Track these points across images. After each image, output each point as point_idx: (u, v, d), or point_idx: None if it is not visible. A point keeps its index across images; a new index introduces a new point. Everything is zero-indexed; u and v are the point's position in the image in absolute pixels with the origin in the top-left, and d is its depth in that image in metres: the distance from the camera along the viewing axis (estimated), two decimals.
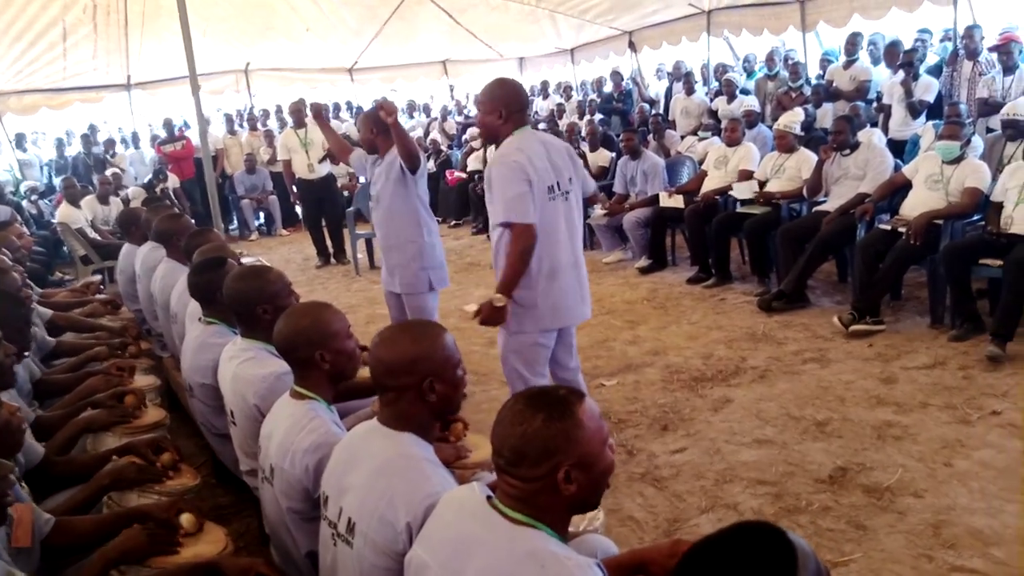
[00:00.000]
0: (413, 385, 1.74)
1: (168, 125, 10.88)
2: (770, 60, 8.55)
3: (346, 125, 11.88)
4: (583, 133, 8.49)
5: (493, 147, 3.15)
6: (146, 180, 10.25)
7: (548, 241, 2.97)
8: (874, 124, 6.80)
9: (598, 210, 7.05)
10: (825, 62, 8.33)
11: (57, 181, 10.28)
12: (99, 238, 8.02)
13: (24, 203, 9.66)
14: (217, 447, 2.95)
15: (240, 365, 2.48)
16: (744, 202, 5.90)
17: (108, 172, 9.57)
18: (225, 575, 1.72)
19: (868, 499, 2.89)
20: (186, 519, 1.94)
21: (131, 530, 1.84)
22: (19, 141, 11.16)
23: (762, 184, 5.84)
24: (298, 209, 9.95)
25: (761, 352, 4.47)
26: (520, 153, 2.89)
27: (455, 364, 1.81)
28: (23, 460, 2.19)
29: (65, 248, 8.57)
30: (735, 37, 10.00)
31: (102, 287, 5.48)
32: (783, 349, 4.48)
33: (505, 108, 2.96)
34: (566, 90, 12.30)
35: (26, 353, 2.98)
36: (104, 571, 1.78)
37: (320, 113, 4.60)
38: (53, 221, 8.87)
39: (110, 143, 11.60)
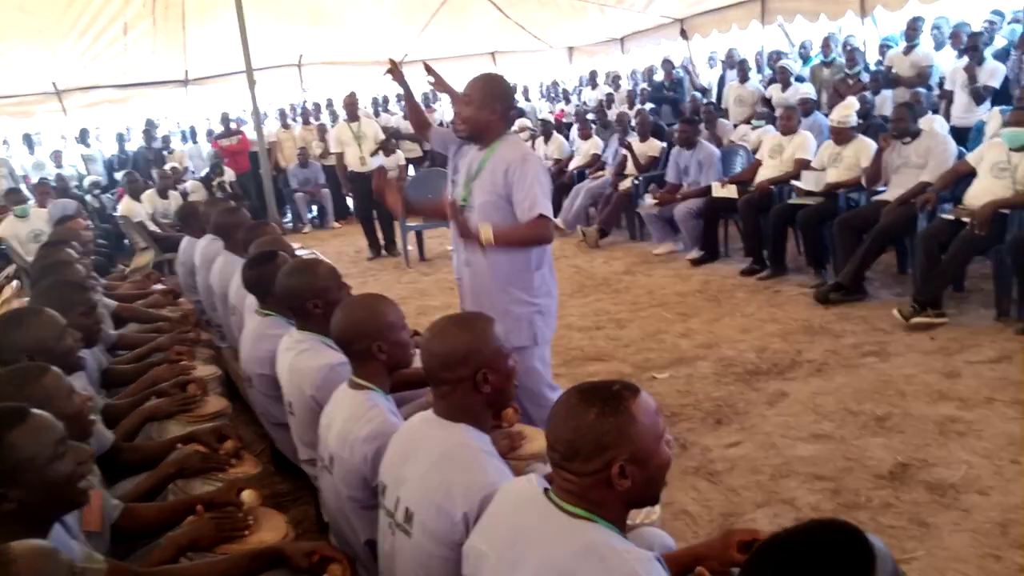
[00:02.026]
0: (467, 377, 1.76)
1: (225, 119, 11.10)
2: (826, 46, 8.36)
3: (395, 119, 11.98)
4: (633, 123, 8.41)
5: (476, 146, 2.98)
6: (203, 174, 10.49)
7: (549, 250, 3.04)
8: (935, 111, 6.59)
9: (648, 200, 6.98)
10: (884, 48, 8.10)
11: (118, 176, 10.59)
12: (159, 231, 8.24)
13: (87, 197, 9.97)
14: (276, 436, 3.02)
15: (296, 357, 2.54)
16: (798, 192, 5.78)
17: (167, 166, 9.82)
18: (290, 559, 1.76)
19: (931, 496, 2.82)
20: (247, 495, 2.00)
21: (199, 519, 1.90)
22: (83, 136, 11.51)
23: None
24: (350, 202, 10.08)
25: (818, 345, 4.38)
26: (540, 159, 2.94)
27: (506, 355, 1.84)
28: (95, 446, 2.27)
29: (127, 241, 8.82)
30: (789, 23, 9.79)
31: (162, 279, 5.62)
32: (841, 342, 4.38)
33: (502, 105, 2.88)
34: (615, 80, 12.19)
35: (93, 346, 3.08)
36: (174, 557, 1.84)
37: (397, 70, 4.02)
38: (115, 215, 9.14)
39: (167, 138, 11.91)
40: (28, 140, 11.38)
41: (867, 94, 7.17)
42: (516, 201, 2.82)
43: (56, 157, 11.19)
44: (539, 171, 2.85)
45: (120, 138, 12.28)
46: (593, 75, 12.77)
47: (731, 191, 6.25)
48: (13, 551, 1.19)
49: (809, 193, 5.68)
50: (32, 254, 6.56)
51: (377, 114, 12.21)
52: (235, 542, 1.89)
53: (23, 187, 9.09)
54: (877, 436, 3.30)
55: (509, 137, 2.93)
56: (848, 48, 8.13)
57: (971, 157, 4.78)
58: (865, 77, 7.62)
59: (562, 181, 8.87)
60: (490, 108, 2.85)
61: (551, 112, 12.11)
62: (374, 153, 8.43)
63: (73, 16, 8.90)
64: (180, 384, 2.83)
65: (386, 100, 13.45)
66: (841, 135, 5.60)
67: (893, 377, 3.85)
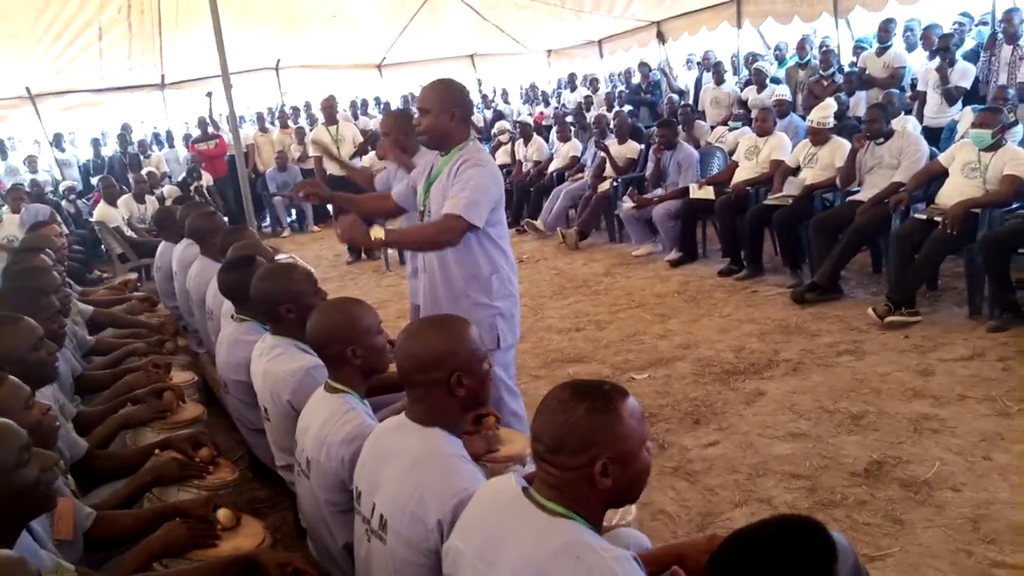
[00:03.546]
0: (441, 380, 1.76)
1: (203, 123, 11.02)
2: (801, 48, 8.43)
3: (374, 122, 11.96)
4: (611, 125, 8.45)
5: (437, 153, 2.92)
6: (180, 178, 10.41)
7: (509, 253, 2.97)
8: (908, 112, 6.67)
9: (627, 202, 7.01)
10: (858, 49, 8.19)
11: (94, 180, 10.48)
12: (135, 236, 8.17)
13: (63, 202, 9.86)
14: (253, 442, 3.01)
15: (270, 362, 2.53)
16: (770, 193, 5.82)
17: (143, 171, 9.73)
18: (263, 568, 1.75)
19: (905, 493, 2.85)
20: (222, 514, 1.98)
21: (172, 524, 1.88)
22: (57, 141, 11.38)
23: (795, 173, 5.76)
24: (329, 206, 10.02)
25: (794, 344, 4.42)
26: (494, 165, 2.86)
27: (482, 358, 1.84)
28: (67, 454, 2.25)
29: (103, 247, 8.74)
30: (762, 26, 9.88)
31: (139, 284, 5.57)
32: (817, 341, 4.43)
33: (459, 109, 2.80)
34: (593, 83, 12.24)
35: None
36: (146, 563, 1.83)
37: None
38: (91, 220, 9.05)
39: (144, 143, 11.80)
40: (0, 145, 11.23)
41: (841, 95, 7.25)
42: (450, 195, 2.74)
43: (30, 162, 11.07)
44: (484, 177, 2.74)
45: (96, 143, 12.16)
46: (572, 78, 12.82)
47: (708, 192, 6.29)
48: None
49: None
50: (4, 261, 6.50)
51: (356, 117, 12.17)
52: (209, 549, 1.88)
53: None
54: (852, 434, 3.34)
55: (470, 144, 2.85)
56: (823, 49, 8.21)
57: (943, 157, 4.85)
58: (839, 78, 7.70)
59: (542, 183, 8.89)
60: (448, 114, 2.77)
61: (530, 115, 12.15)
62: (353, 156, 8.39)
63: (47, 21, 8.81)
64: (156, 392, 2.80)
65: (365, 103, 13.42)
66: (819, 135, 5.65)
67: (868, 375, 3.89)
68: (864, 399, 3.65)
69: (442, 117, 2.77)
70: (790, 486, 3.00)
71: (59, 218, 7.77)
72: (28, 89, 10.46)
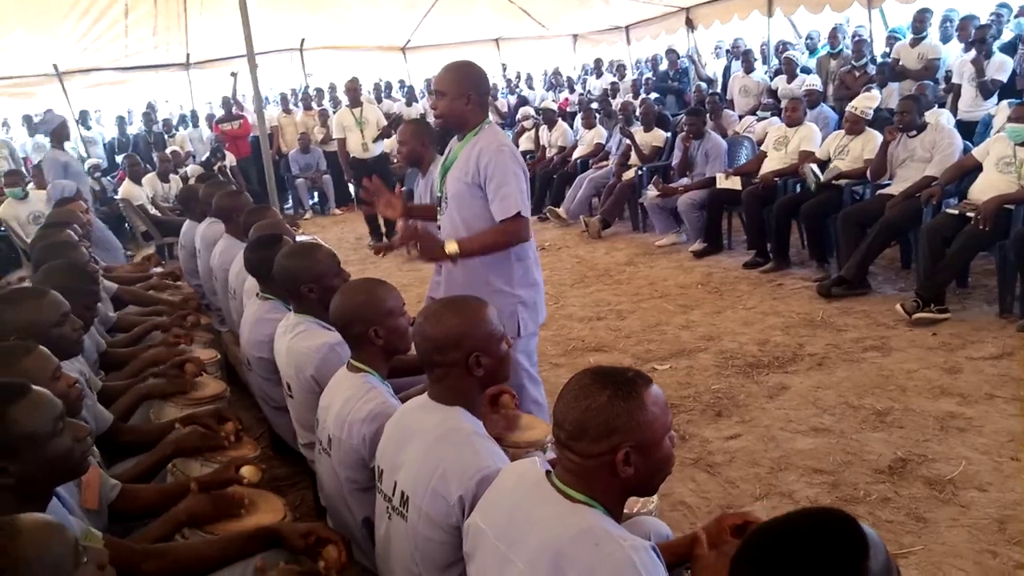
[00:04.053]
0: (460, 360, 1.77)
1: (227, 104, 11.06)
2: (833, 38, 8.29)
3: (398, 105, 11.94)
4: (637, 112, 8.37)
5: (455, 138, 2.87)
6: (204, 158, 10.46)
7: (532, 240, 2.91)
8: (942, 105, 6.55)
9: (651, 190, 6.95)
10: (892, 39, 8.05)
11: (119, 158, 10.55)
12: (159, 215, 8.22)
13: (88, 180, 9.94)
14: (274, 420, 3.02)
15: (293, 339, 2.54)
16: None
17: (168, 150, 9.78)
18: (286, 539, 1.76)
19: (929, 491, 2.81)
20: (247, 470, 2.01)
21: (197, 496, 1.90)
22: (83, 119, 11.46)
23: (824, 166, 5.67)
24: (351, 188, 10.04)
25: (819, 339, 4.36)
26: (516, 152, 2.80)
27: (499, 338, 1.84)
28: (94, 426, 2.27)
29: (127, 224, 8.80)
30: (794, 15, 9.73)
31: (162, 263, 5.61)
32: (843, 336, 4.37)
33: (475, 93, 2.74)
34: (619, 69, 12.13)
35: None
36: (170, 533, 1.85)
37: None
38: (115, 198, 9.11)
39: (169, 122, 11.85)
40: (28, 121, 11.33)
41: (873, 86, 7.13)
42: (490, 196, 2.69)
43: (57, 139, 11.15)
44: (516, 163, 2.72)
45: (121, 121, 12.25)
46: (598, 64, 12.72)
47: (735, 183, 6.22)
48: (19, 523, 1.19)
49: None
50: (31, 236, 6.55)
51: (379, 100, 12.16)
52: (232, 522, 1.89)
53: (23, 169, 9.06)
54: (877, 431, 3.29)
55: (486, 126, 2.79)
56: (856, 39, 8.07)
57: (977, 151, 4.75)
58: (872, 69, 7.57)
59: (565, 171, 8.84)
60: (464, 97, 2.71)
61: (554, 101, 12.09)
62: (376, 139, 8.39)
63: None
64: (177, 364, 2.81)
65: (389, 86, 13.40)
66: (856, 124, 5.55)
67: (894, 372, 3.84)
68: (890, 396, 3.60)
69: (458, 101, 2.72)
70: (812, 481, 2.97)
71: (84, 195, 7.83)
72: (55, 66, 10.53)
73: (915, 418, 3.36)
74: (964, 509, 2.68)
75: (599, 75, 12.41)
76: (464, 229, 2.78)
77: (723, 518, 1.67)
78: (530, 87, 14.04)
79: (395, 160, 9.51)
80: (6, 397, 1.51)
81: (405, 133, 4.22)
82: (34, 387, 1.57)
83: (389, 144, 9.00)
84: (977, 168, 4.69)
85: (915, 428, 3.27)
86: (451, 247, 2.65)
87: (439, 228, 2.91)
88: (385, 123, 8.64)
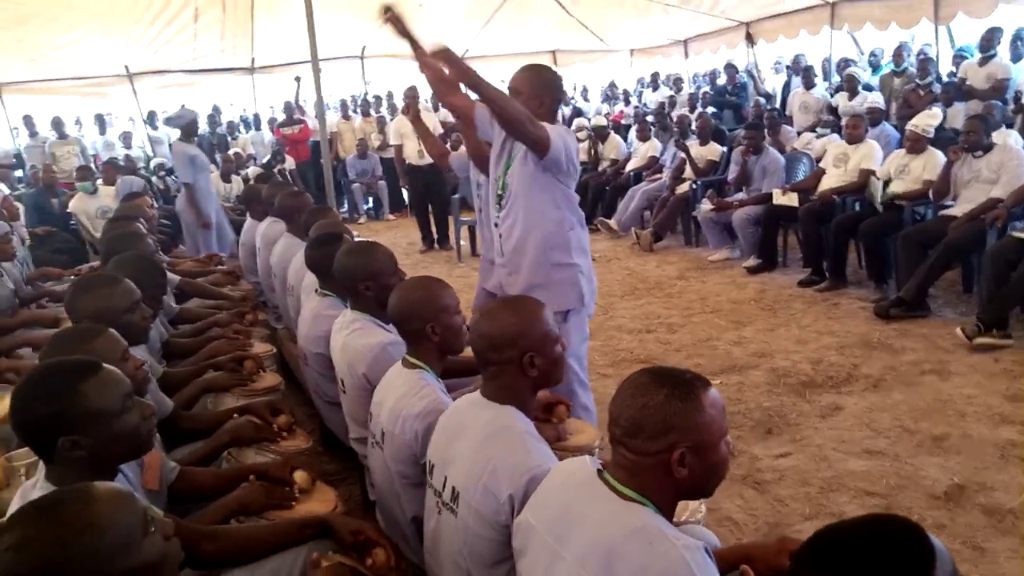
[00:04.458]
0: (514, 359, 1.79)
1: (288, 108, 11.31)
2: (898, 55, 8.13)
3: None
4: (693, 126, 8.32)
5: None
6: (265, 160, 10.71)
7: (582, 216, 3.00)
8: (1010, 126, 6.36)
9: (706, 204, 6.90)
10: (958, 58, 7.86)
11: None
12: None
13: (153, 178, 10.26)
14: (327, 415, 3.07)
15: (349, 336, 2.59)
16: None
17: (231, 152, 10.04)
18: (336, 532, 1.79)
19: (988, 520, 2.73)
20: (299, 476, 2.04)
21: (251, 484, 1.95)
22: (151, 119, 11.84)
23: (886, 184, 5.56)
24: (405, 194, 10.16)
25: (876, 360, 4.27)
26: (575, 139, 2.91)
27: (554, 339, 1.86)
28: (156, 410, 2.35)
29: None
30: (858, 31, 9.56)
31: (223, 258, 5.76)
32: (900, 359, 4.27)
33: (549, 96, 2.81)
34: (676, 82, 12.07)
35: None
36: (224, 519, 1.90)
37: (417, 115, 4.20)
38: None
39: (233, 124, 12.16)
40: (100, 120, 11.76)
41: (939, 105, 6.97)
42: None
43: (125, 138, 11.56)
44: (565, 136, 2.81)
45: None
46: (655, 77, 12.68)
47: (792, 199, 6.13)
48: (94, 490, 1.24)
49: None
50: (99, 230, 6.80)
51: (436, 108, 12.29)
52: (284, 510, 1.94)
53: (93, 166, 9.40)
54: (933, 456, 3.21)
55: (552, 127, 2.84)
56: (921, 57, 7.90)
57: None
58: (937, 88, 7.40)
59: (618, 183, 8.82)
60: (538, 100, 2.79)
61: (608, 113, 12.06)
62: None
63: (146, 2, 9.18)
64: (238, 359, 2.90)
65: None
66: (918, 143, 5.44)
67: (953, 397, 3.74)
68: (948, 421, 3.50)
69: (532, 102, 2.78)
70: (864, 503, 2.91)
71: (150, 192, 8.08)
72: (126, 67, 10.90)
73: (973, 445, 3.27)
74: None
75: (655, 88, 12.36)
76: (528, 219, 2.88)
77: (786, 540, 1.65)
78: (585, 99, 14.04)
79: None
80: (79, 374, 1.57)
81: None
82: (105, 365, 1.63)
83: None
84: None
85: (973, 455, 3.18)
86: (439, 47, 2.75)
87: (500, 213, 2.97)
88: (441, 131, 8.74)
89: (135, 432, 1.63)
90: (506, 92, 2.85)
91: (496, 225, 2.99)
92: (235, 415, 2.47)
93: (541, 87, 2.81)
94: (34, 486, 1.59)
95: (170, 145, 8.42)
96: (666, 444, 1.34)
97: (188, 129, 6.56)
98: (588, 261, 3.01)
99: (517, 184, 2.88)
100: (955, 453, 3.21)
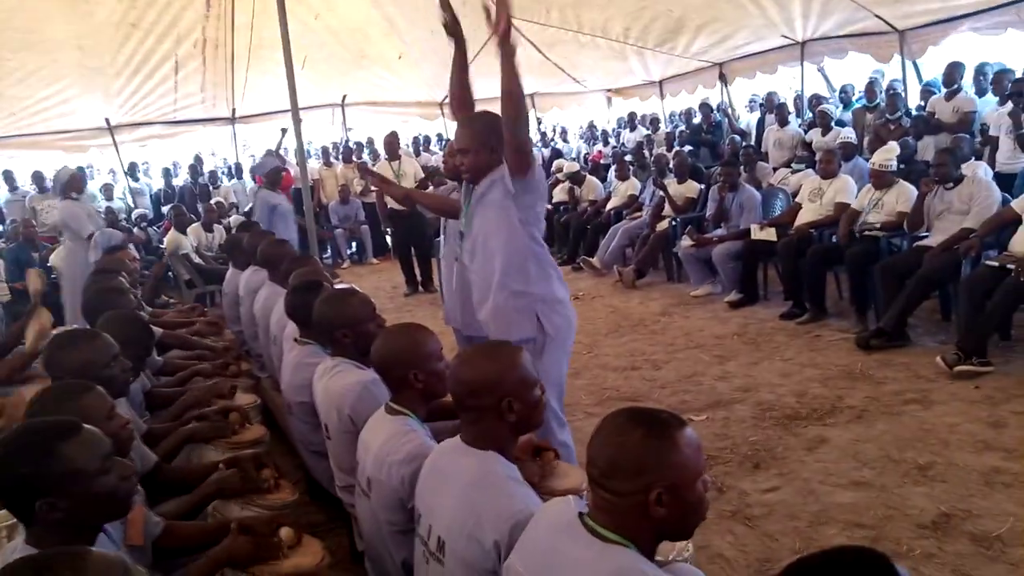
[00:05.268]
0: (492, 405, 1.80)
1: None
2: (871, 91, 8.31)
3: (435, 158, 12.19)
4: (671, 164, 8.44)
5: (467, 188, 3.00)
6: (247, 209, 10.72)
7: (546, 250, 3.01)
8: (979, 157, 6.51)
9: (686, 240, 6.97)
10: (926, 93, 8.06)
11: (165, 209, 10.87)
12: (203, 263, 8.43)
13: (134, 230, 10.26)
14: (313, 464, 3.05)
15: (330, 380, 2.62)
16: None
17: (213, 201, 10.07)
18: None
19: (976, 548, 2.73)
20: (284, 532, 2.02)
21: (238, 537, 1.93)
22: (132, 171, 11.88)
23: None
24: (388, 239, 10.20)
25: (859, 391, 4.30)
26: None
27: (532, 384, 1.87)
28: (139, 465, 2.33)
29: (170, 272, 9.02)
30: (828, 69, 9.80)
31: (205, 309, 5.75)
32: (882, 389, 4.30)
33: (494, 139, 2.84)
34: (653, 122, 12.28)
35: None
36: (211, 572, 1.88)
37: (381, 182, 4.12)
38: (161, 247, 9.37)
39: (215, 174, 12.22)
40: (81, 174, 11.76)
41: (909, 139, 7.12)
42: None
43: (106, 191, 11.58)
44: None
45: (167, 173, 12.67)
46: (632, 117, 12.90)
47: (770, 234, 6.22)
48: (91, 557, 1.22)
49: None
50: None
51: (418, 153, 12.43)
52: (272, 564, 1.92)
53: None
54: (919, 485, 3.22)
55: (500, 166, 2.89)
56: (891, 93, 8.10)
57: (1016, 204, 4.71)
58: (906, 122, 7.57)
59: (599, 221, 8.91)
60: (487, 148, 2.84)
61: (587, 154, 12.22)
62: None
63: (127, 54, 9.30)
64: (222, 411, 2.88)
65: (427, 140, 13.69)
66: (881, 179, 5.56)
67: (936, 426, 3.76)
68: (932, 449, 3.52)
69: (481, 153, 2.85)
70: (853, 535, 2.91)
71: (132, 244, 8.06)
72: (107, 120, 10.97)
73: (959, 473, 3.28)
74: (1014, 567, 2.60)
75: (633, 128, 12.57)
76: (487, 249, 2.89)
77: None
78: (564, 140, 14.23)
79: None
80: (57, 434, 1.56)
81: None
82: (84, 425, 1.62)
83: None
84: (1017, 220, 4.64)
85: (959, 483, 3.20)
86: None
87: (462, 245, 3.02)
88: (422, 175, 8.82)
89: (113, 493, 1.61)
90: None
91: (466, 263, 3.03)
92: (222, 466, 2.45)
93: (484, 135, 2.84)
94: (15, 550, 1.56)
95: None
96: (642, 484, 1.35)
97: (272, 178, 6.62)
98: (553, 290, 2.95)
99: (480, 219, 2.92)
100: (941, 481, 3.23)
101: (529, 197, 2.85)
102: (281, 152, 11.34)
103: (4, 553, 1.60)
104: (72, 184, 6.52)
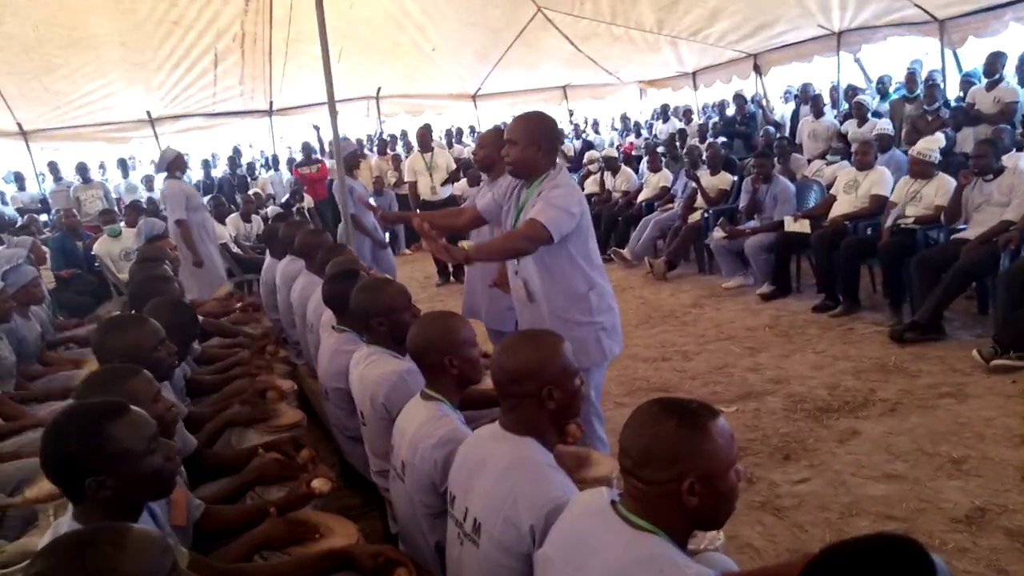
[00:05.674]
0: (533, 392, 1.82)
1: (306, 149, 11.53)
2: (911, 81, 8.17)
3: (467, 150, 12.25)
4: (703, 156, 8.40)
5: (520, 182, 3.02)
6: (284, 200, 10.89)
7: (603, 273, 3.06)
8: (1020, 149, 6.38)
9: (718, 232, 6.94)
10: (966, 83, 7.90)
11: (204, 200, 11.05)
12: (241, 253, 8.58)
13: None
14: (348, 449, 3.12)
15: (365, 368, 2.66)
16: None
17: (250, 192, 10.24)
18: (357, 560, 1.83)
19: (1011, 543, 2.72)
20: (318, 482, 2.10)
21: (275, 520, 2.00)
22: None
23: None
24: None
25: (892, 384, 4.27)
26: (578, 190, 2.96)
27: (573, 373, 1.89)
28: (181, 449, 2.41)
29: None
30: (866, 57, 9.66)
31: (243, 296, 5.86)
32: (916, 382, 4.27)
33: (545, 141, 2.88)
34: (686, 114, 12.19)
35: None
36: (249, 554, 1.95)
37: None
38: None
39: (252, 165, 12.40)
40: (123, 165, 12.04)
41: (947, 131, 7.00)
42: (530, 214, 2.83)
43: (147, 181, 11.81)
44: (568, 197, 2.82)
45: (206, 164, 12.88)
46: (665, 109, 12.82)
47: (804, 226, 6.17)
48: (132, 533, 1.27)
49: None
50: (123, 271, 6.94)
51: (450, 145, 12.49)
52: (306, 545, 1.98)
53: (116, 209, 9.60)
54: (953, 479, 3.20)
55: (554, 172, 2.92)
56: (929, 83, 7.96)
57: None
58: (945, 113, 7.44)
59: (630, 213, 8.89)
60: (535, 146, 2.86)
61: (619, 146, 12.19)
62: (445, 183, 8.63)
63: (168, 49, 9.48)
64: (259, 392, 2.96)
65: (460, 132, 13.75)
66: (921, 168, 5.47)
67: (971, 419, 3.73)
68: (966, 443, 3.50)
69: (529, 149, 2.87)
70: (884, 527, 2.90)
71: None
72: (148, 113, 11.20)
73: (994, 467, 3.25)
74: None
75: (666, 120, 12.49)
76: (541, 271, 2.93)
77: (809, 556, 1.67)
78: (596, 132, 14.19)
79: (463, 200, 9.75)
80: (106, 415, 1.62)
81: (485, 139, 4.17)
82: (132, 407, 1.68)
83: (458, 188, 9.24)
84: None
85: (994, 477, 3.17)
86: (465, 248, 2.75)
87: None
88: (454, 167, 8.87)
89: (159, 473, 1.67)
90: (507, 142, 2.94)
91: (516, 273, 3.07)
92: (260, 450, 2.52)
93: (535, 134, 2.87)
94: (63, 525, 1.63)
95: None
96: (675, 474, 1.37)
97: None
98: (612, 317, 3.05)
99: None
100: (975, 476, 3.20)
101: (572, 232, 2.89)
102: (322, 145, 11.52)
103: (56, 528, 1.67)
104: (176, 164, 6.74)
